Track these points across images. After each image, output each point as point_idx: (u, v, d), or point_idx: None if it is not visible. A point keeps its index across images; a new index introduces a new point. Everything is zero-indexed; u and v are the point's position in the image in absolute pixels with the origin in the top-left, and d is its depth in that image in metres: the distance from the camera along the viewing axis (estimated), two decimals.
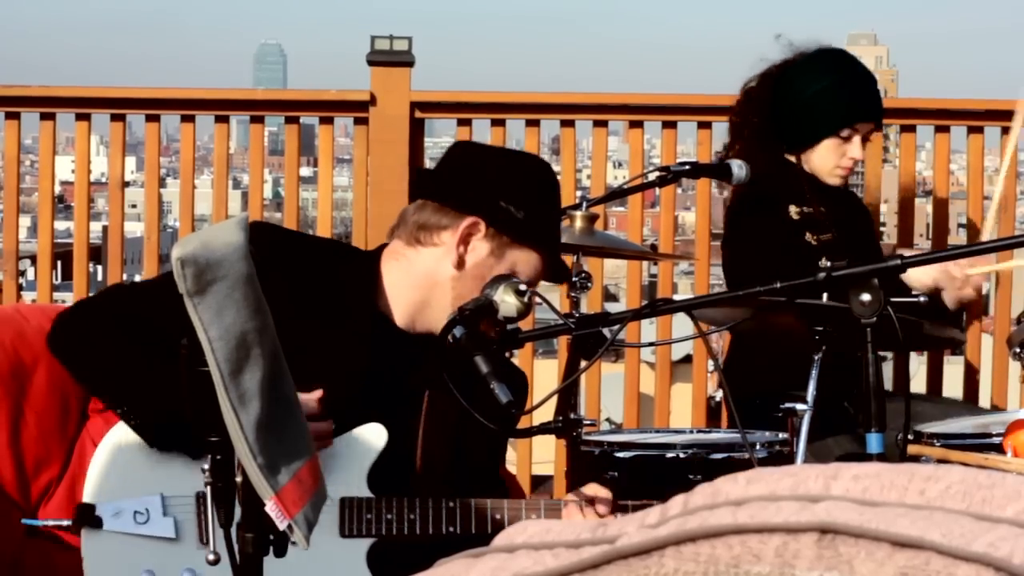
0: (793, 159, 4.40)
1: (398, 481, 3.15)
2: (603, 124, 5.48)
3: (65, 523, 3.08)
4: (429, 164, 5.44)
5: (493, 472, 3.37)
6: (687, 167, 4.25)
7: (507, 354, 3.29)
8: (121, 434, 3.13)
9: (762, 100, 4.39)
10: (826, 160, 4.34)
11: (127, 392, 3.08)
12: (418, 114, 5.33)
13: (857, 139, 4.34)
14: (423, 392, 3.22)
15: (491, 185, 3.21)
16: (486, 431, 3.25)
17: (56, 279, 5.84)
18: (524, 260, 3.20)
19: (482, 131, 5.36)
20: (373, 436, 3.13)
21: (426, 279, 3.21)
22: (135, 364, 3.06)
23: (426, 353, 3.20)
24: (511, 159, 3.40)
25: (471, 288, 3.16)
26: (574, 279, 3.91)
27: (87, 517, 3.05)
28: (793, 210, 4.33)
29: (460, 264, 3.19)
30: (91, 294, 3.35)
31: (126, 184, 5.51)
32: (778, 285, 3.09)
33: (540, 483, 5.75)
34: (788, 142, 4.38)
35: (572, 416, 3.20)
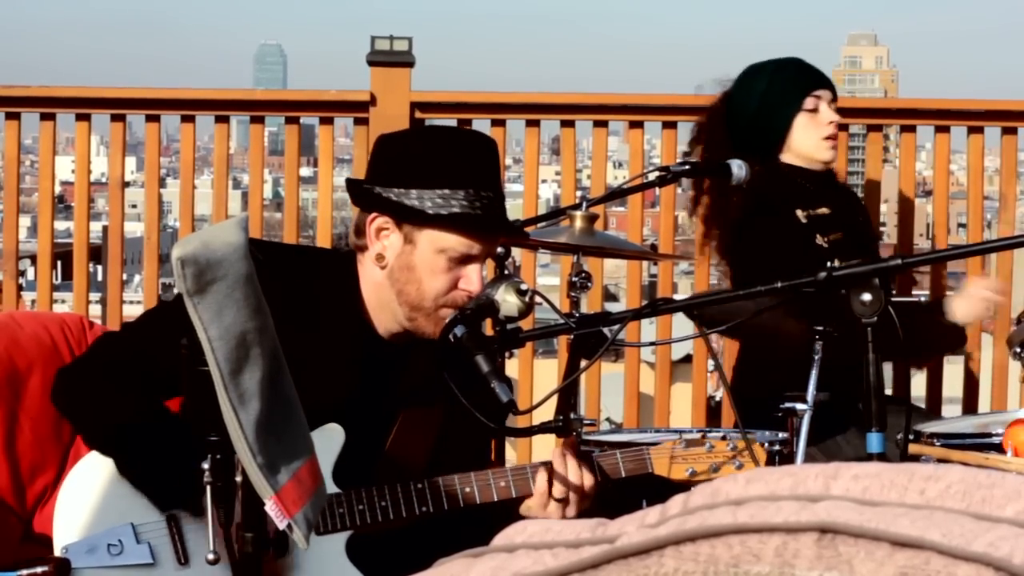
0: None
1: (364, 477, 3.15)
2: (603, 124, 5.48)
3: (40, 570, 3.06)
4: None
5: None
6: (687, 167, 4.25)
7: (506, 354, 3.29)
8: (83, 470, 3.13)
9: (717, 132, 4.46)
10: (808, 136, 4.40)
11: (121, 461, 3.11)
12: (418, 114, 5.32)
13: (824, 105, 4.42)
14: (399, 405, 3.22)
15: (384, 176, 3.17)
16: (471, 443, 3.25)
17: (56, 279, 5.84)
18: (439, 239, 3.12)
19: (482, 131, 5.36)
20: (330, 435, 3.13)
21: (372, 283, 3.21)
22: (130, 436, 3.09)
23: (408, 363, 3.19)
24: (401, 141, 3.26)
25: (407, 279, 3.15)
26: (574, 279, 3.91)
27: (62, 572, 3.03)
28: (800, 214, 4.34)
29: (383, 262, 3.17)
30: (92, 347, 3.33)
31: (126, 184, 5.51)
32: (779, 285, 3.09)
33: None
34: (761, 150, 4.38)
35: (572, 416, 3.20)
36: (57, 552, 3.05)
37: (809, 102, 4.40)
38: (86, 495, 3.11)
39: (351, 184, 3.25)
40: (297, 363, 3.05)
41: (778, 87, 4.42)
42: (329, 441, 3.13)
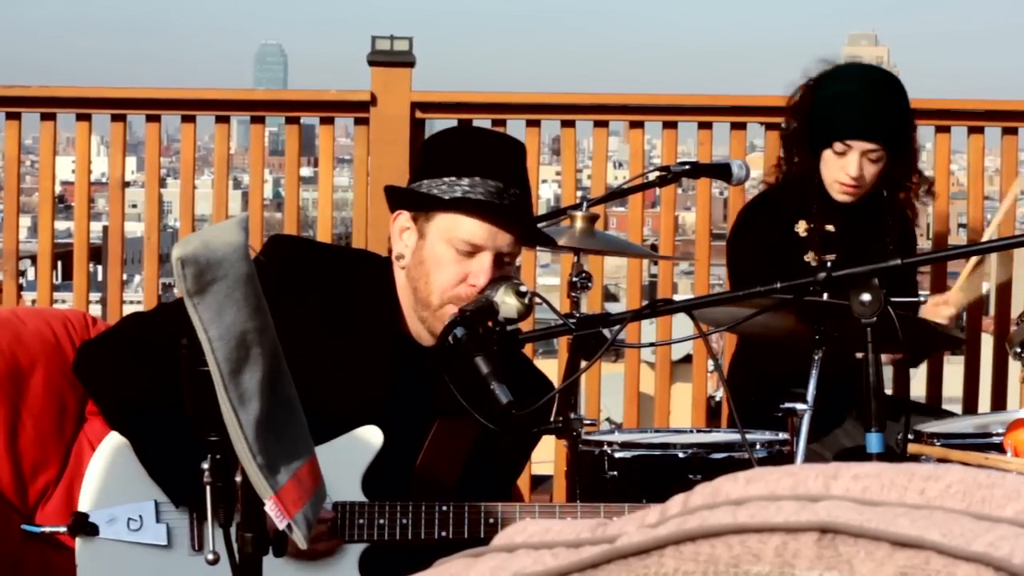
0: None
1: (394, 486, 3.13)
2: (603, 124, 5.48)
3: (61, 529, 3.07)
4: None
5: (503, 496, 3.27)
6: (687, 167, 4.25)
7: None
8: (118, 440, 3.12)
9: (798, 108, 4.35)
10: (828, 172, 4.24)
11: (137, 436, 3.08)
12: (419, 114, 5.33)
13: (853, 156, 4.19)
14: (436, 413, 3.19)
15: (411, 175, 3.21)
16: (502, 457, 3.23)
17: (56, 279, 5.84)
18: (445, 228, 3.10)
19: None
20: (368, 439, 3.11)
21: (402, 287, 3.21)
22: (147, 413, 3.06)
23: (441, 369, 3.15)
24: (428, 141, 3.34)
25: (419, 275, 3.13)
26: (575, 279, 3.91)
27: (81, 525, 3.03)
28: (802, 226, 4.30)
29: (403, 261, 3.17)
30: (105, 321, 3.31)
31: (126, 184, 5.51)
32: (778, 285, 3.09)
33: (540, 483, 5.75)
34: (813, 147, 4.34)
35: (572, 416, 3.19)
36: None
37: (839, 146, 4.20)
38: (118, 464, 3.09)
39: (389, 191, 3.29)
40: (329, 367, 3.05)
41: (830, 110, 4.24)
42: (366, 443, 3.10)
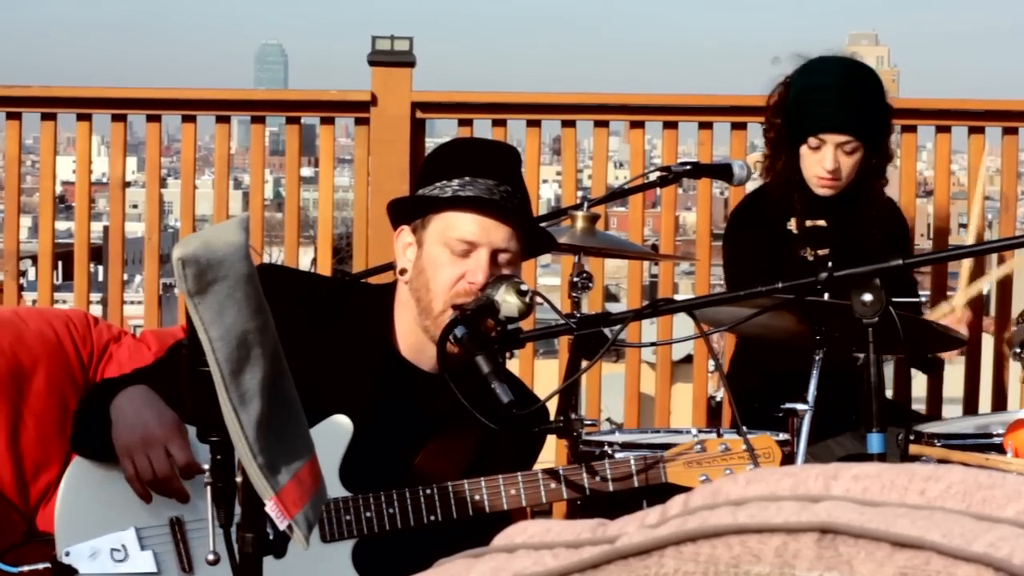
0: None
1: (371, 473, 3.12)
2: (604, 124, 5.48)
3: (41, 567, 3.03)
4: None
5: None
6: (688, 167, 4.24)
7: (508, 355, 3.27)
8: (80, 472, 3.07)
9: (777, 106, 4.34)
10: (806, 167, 4.23)
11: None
12: (419, 114, 5.33)
13: (827, 149, 4.19)
14: (428, 432, 3.19)
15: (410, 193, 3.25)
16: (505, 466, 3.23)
17: (57, 279, 5.84)
18: (439, 231, 3.11)
19: (483, 131, 5.36)
20: (336, 429, 3.10)
21: (402, 305, 3.21)
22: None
23: (441, 390, 3.08)
24: (425, 159, 3.37)
25: (420, 284, 3.14)
26: (575, 279, 3.91)
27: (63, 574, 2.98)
28: (794, 222, 4.29)
29: (406, 276, 3.18)
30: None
31: (127, 184, 5.51)
32: (780, 285, 3.09)
33: None
34: (792, 142, 4.33)
35: (572, 416, 3.19)
36: (59, 554, 3.01)
37: (813, 141, 4.20)
38: (88, 494, 3.05)
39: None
40: (316, 384, 3.05)
41: (800, 105, 4.23)
42: (335, 434, 3.09)
